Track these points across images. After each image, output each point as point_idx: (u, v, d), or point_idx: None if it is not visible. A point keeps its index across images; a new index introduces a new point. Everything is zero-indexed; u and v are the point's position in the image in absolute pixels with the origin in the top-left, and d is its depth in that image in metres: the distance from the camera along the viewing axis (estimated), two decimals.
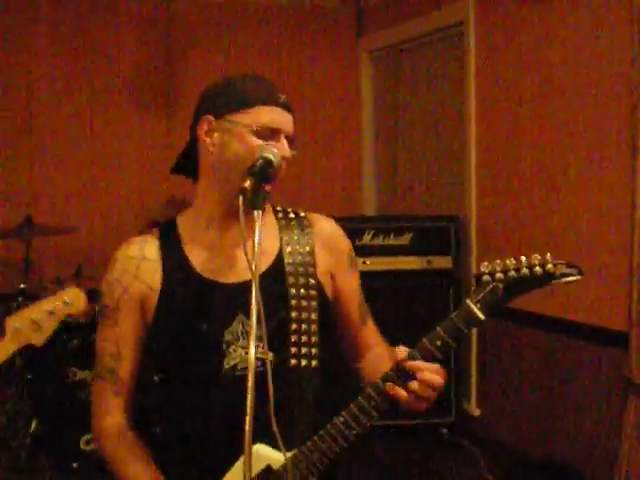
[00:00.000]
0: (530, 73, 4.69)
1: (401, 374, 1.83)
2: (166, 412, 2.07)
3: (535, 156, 4.68)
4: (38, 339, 2.37)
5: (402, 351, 1.86)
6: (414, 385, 1.81)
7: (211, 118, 1.95)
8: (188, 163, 2.06)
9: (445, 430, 5.12)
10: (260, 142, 1.89)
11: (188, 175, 2.10)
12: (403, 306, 5.03)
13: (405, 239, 5.09)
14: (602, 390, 4.23)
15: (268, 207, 2.06)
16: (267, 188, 1.82)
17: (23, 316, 2.36)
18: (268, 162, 1.84)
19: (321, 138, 6.23)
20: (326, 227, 2.14)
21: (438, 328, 1.82)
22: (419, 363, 1.82)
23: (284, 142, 1.93)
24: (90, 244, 5.56)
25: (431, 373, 1.81)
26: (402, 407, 1.85)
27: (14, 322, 2.35)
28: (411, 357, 1.83)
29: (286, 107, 1.96)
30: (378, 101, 6.41)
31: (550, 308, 4.46)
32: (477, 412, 5.31)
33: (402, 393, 1.82)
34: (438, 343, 1.81)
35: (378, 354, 2.14)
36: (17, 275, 5.07)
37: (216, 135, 1.95)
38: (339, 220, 2.22)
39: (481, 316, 1.80)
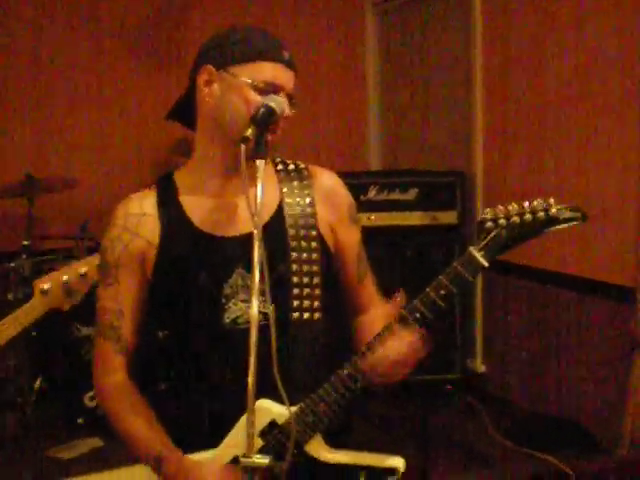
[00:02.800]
0: (539, 24, 4.61)
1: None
2: (169, 368, 2.06)
3: (542, 110, 4.62)
4: (67, 303, 2.35)
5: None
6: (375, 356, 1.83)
7: (212, 68, 1.92)
8: (185, 110, 2.02)
9: (450, 387, 5.11)
10: (259, 98, 1.86)
11: (184, 122, 2.07)
12: (408, 262, 5.00)
13: (410, 194, 5.05)
14: (608, 346, 4.22)
15: (267, 160, 2.02)
16: (269, 138, 1.80)
17: (53, 279, 2.33)
18: (271, 111, 1.81)
19: (325, 92, 6.15)
20: (327, 180, 2.10)
21: (441, 277, 1.81)
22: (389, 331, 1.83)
23: (285, 100, 1.89)
24: (94, 199, 5.50)
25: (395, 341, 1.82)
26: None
27: (43, 284, 2.32)
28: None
29: (289, 65, 1.93)
30: (383, 53, 6.32)
31: (557, 264, 4.44)
32: (482, 368, 5.30)
33: (366, 364, 1.84)
34: (442, 292, 1.80)
35: (372, 316, 2.12)
36: (20, 232, 5.05)
37: (215, 86, 1.92)
38: (344, 175, 2.19)
39: (484, 263, 1.79)
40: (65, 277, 2.31)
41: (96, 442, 4.40)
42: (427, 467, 3.91)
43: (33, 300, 2.33)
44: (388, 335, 1.82)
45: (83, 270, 2.31)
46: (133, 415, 1.97)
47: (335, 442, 1.93)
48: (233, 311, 1.92)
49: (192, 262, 1.94)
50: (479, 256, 1.78)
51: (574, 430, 4.33)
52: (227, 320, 1.92)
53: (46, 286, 2.31)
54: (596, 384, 4.30)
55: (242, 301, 1.92)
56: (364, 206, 4.84)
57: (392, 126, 6.28)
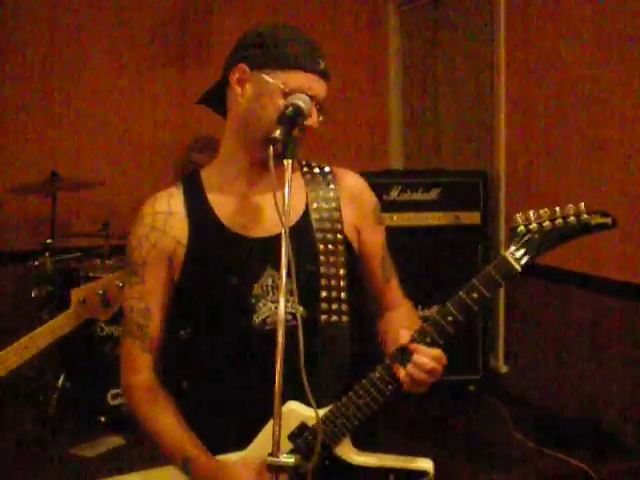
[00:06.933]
0: (563, 25, 4.58)
1: (404, 354, 1.82)
2: (194, 367, 2.05)
3: (566, 110, 4.59)
4: (105, 314, 2.34)
5: (404, 335, 1.84)
6: (409, 368, 1.80)
7: (245, 68, 1.91)
8: (216, 98, 2.02)
9: (472, 387, 5.10)
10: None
11: (214, 108, 2.07)
12: (430, 262, 4.98)
13: (433, 194, 5.03)
14: (632, 346, 4.19)
15: (295, 163, 2.02)
16: (296, 133, 1.79)
17: (91, 289, 2.32)
18: (298, 109, 1.80)
19: (348, 92, 6.13)
20: (352, 182, 2.10)
21: (474, 280, 1.80)
22: (417, 346, 1.81)
23: (314, 110, 1.89)
24: (115, 199, 5.53)
25: (425, 357, 1.80)
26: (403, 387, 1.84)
27: (81, 295, 2.31)
28: (415, 339, 1.82)
29: (324, 75, 1.92)
30: (406, 54, 6.32)
31: (579, 264, 4.40)
32: (504, 369, 5.29)
33: (402, 373, 1.81)
34: (475, 295, 1.79)
35: (397, 315, 2.12)
36: (44, 230, 5.07)
37: (248, 86, 1.92)
38: (366, 175, 2.18)
39: (517, 267, 1.79)
40: (102, 288, 2.31)
41: (118, 440, 4.41)
42: (449, 468, 3.90)
43: (70, 310, 2.32)
44: (421, 340, 1.81)
45: (120, 282, 2.31)
46: (160, 415, 1.96)
47: (363, 445, 1.92)
48: (262, 312, 1.91)
49: (222, 262, 1.94)
50: (512, 260, 1.79)
51: (596, 431, 4.31)
52: (256, 320, 1.91)
53: (84, 297, 2.30)
54: (618, 384, 4.28)
55: (272, 302, 1.91)
56: (386, 206, 4.81)
57: (414, 126, 6.27)
